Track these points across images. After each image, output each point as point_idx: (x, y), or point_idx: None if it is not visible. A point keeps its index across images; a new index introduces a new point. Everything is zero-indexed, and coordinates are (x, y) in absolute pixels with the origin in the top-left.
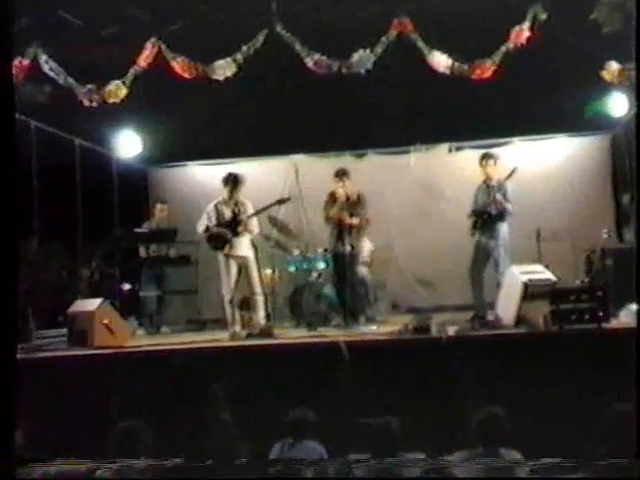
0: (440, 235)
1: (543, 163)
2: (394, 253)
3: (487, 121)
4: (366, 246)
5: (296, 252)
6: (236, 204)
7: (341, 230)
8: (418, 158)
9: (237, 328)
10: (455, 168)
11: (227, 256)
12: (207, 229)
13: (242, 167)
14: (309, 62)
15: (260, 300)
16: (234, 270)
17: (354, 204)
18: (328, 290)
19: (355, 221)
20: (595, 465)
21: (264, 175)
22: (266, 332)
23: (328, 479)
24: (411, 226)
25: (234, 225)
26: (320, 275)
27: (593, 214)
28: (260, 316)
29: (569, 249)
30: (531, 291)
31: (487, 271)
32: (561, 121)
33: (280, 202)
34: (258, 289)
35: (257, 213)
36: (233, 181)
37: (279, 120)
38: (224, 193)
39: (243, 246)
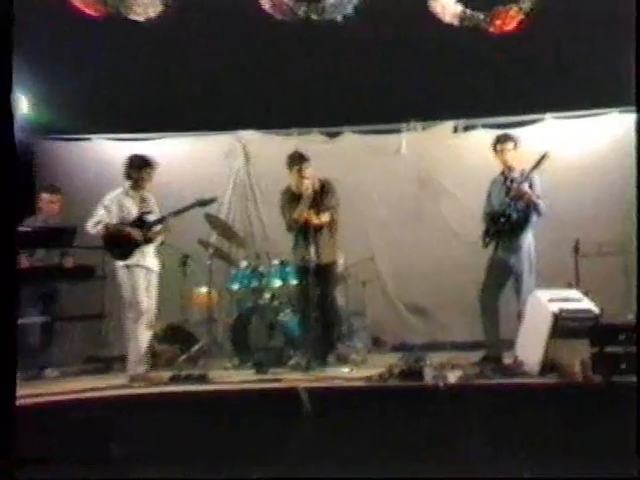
0: (440, 246)
1: (584, 149)
2: (376, 269)
3: (507, 91)
4: (338, 258)
5: (243, 264)
6: (143, 199)
7: (306, 234)
8: (412, 140)
9: (141, 369)
10: (462, 154)
11: (132, 267)
12: (106, 228)
13: (170, 145)
14: (266, 4)
15: (150, 328)
16: (143, 286)
17: (319, 196)
18: (286, 317)
19: (325, 218)
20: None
21: (201, 158)
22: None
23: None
24: (401, 233)
25: (146, 226)
26: (275, 296)
27: None
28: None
29: (619, 269)
30: (564, 326)
31: (504, 296)
32: (611, 90)
33: (202, 203)
34: (153, 313)
35: (178, 213)
36: (140, 166)
37: (222, 83)
38: (125, 183)
39: (151, 255)
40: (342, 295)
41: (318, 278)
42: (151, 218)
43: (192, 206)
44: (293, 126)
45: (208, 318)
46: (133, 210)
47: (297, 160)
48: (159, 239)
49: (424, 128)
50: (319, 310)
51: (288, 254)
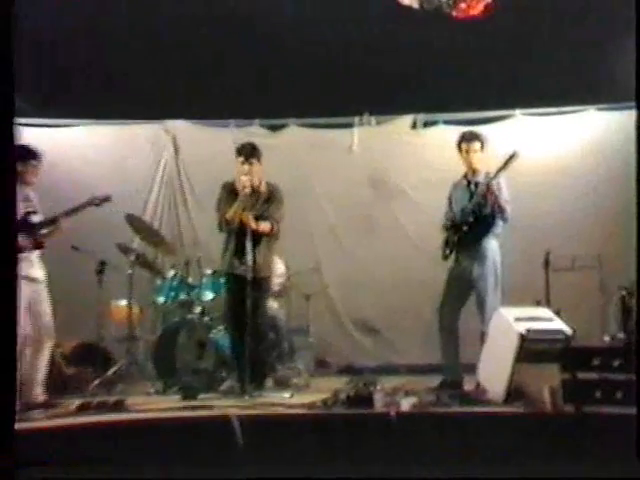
0: (396, 256)
1: (557, 149)
2: (322, 280)
3: (472, 83)
4: (278, 267)
5: (170, 273)
6: (26, 197)
7: (242, 241)
8: (365, 136)
9: (39, 396)
10: (422, 153)
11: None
12: None
13: (92, 133)
14: None
15: (46, 349)
16: (33, 301)
17: (263, 201)
18: (218, 335)
19: (264, 227)
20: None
21: (125, 148)
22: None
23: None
24: (351, 240)
25: (33, 228)
26: (206, 311)
27: (630, 230)
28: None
29: (595, 285)
30: (532, 348)
31: (465, 314)
32: (587, 86)
33: (94, 203)
34: (50, 332)
35: (70, 213)
36: (23, 158)
37: (147, 66)
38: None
39: (37, 264)
40: (283, 310)
41: (255, 290)
42: (37, 219)
43: (85, 205)
44: (230, 117)
45: (128, 335)
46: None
47: (242, 152)
48: (51, 241)
49: (379, 123)
50: (256, 327)
51: (222, 263)
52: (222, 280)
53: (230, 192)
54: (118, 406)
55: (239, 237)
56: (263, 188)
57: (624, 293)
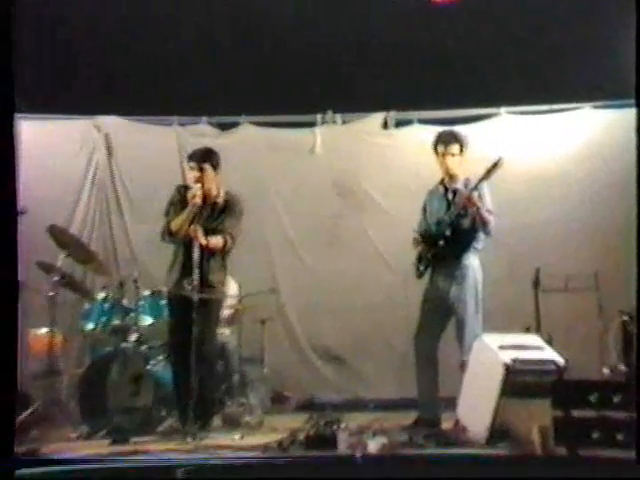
0: (363, 274)
1: (548, 153)
2: (280, 303)
3: (451, 78)
4: (230, 288)
5: (101, 295)
6: None
7: (189, 256)
8: (330, 136)
9: None
10: (394, 156)
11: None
12: None
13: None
14: None
15: None
16: None
17: (219, 212)
18: (157, 366)
19: (215, 242)
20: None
21: (45, 149)
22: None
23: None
24: (313, 256)
25: None
26: (142, 339)
27: (631, 245)
28: None
29: (591, 309)
30: (519, 381)
31: (444, 341)
32: (582, 81)
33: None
34: None
35: None
36: None
37: (76, 53)
38: None
39: None
40: (234, 336)
41: (202, 315)
42: None
43: None
44: (173, 113)
45: (48, 369)
46: None
47: (194, 157)
48: None
49: (345, 122)
50: (203, 357)
51: (163, 281)
52: (163, 302)
53: (183, 198)
54: (31, 456)
55: (188, 252)
56: (219, 199)
57: (625, 318)
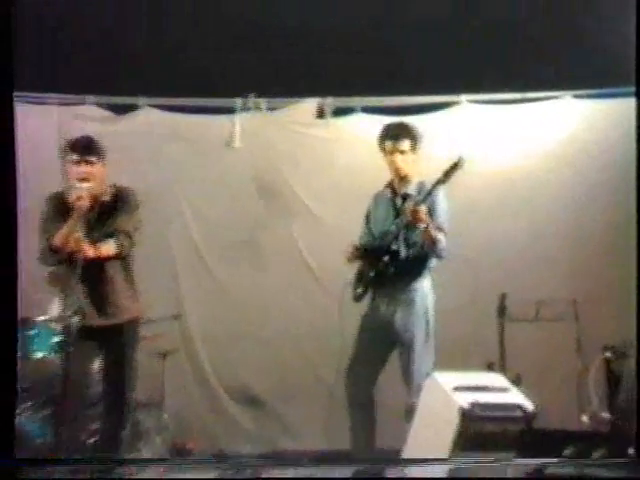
0: (289, 295)
1: (521, 151)
2: (186, 332)
3: (401, 58)
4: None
5: None
6: None
7: (81, 272)
8: (252, 126)
9: None
10: (331, 152)
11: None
12: None
13: None
14: None
15: None
16: None
17: (106, 212)
18: (24, 416)
19: (106, 249)
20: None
21: None
22: None
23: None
24: (228, 274)
25: None
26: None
27: (618, 265)
28: None
29: (569, 343)
30: (478, 430)
31: (386, 380)
32: (560, 64)
33: None
34: None
35: None
36: None
37: None
38: None
39: None
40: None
41: (108, 346)
42: None
43: None
44: (52, 90)
45: None
46: None
47: (77, 147)
48: None
49: (272, 108)
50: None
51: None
52: (44, 333)
53: (59, 207)
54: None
55: (77, 269)
56: (107, 196)
57: (609, 355)
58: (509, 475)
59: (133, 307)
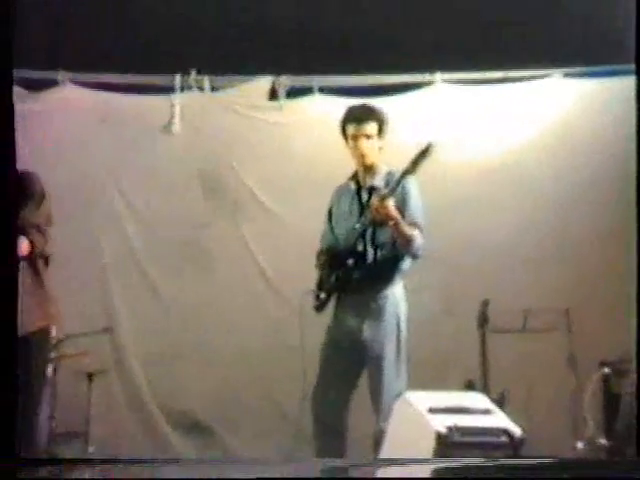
0: (240, 306)
1: (504, 138)
2: (118, 348)
3: (365, 31)
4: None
5: None
6: None
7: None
8: (193, 107)
9: None
10: (286, 139)
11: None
12: None
13: None
14: None
15: None
16: None
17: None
18: None
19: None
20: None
21: None
22: None
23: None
24: (167, 281)
25: None
26: None
27: (617, 268)
28: None
29: (560, 358)
30: (457, 455)
31: (354, 402)
32: (549, 39)
33: None
34: None
35: None
36: None
37: None
38: None
39: None
40: (46, 401)
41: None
42: None
43: None
44: None
45: None
46: None
47: None
48: None
49: (216, 88)
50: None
51: None
52: None
53: None
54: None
55: None
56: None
57: (607, 372)
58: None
59: (43, 315)
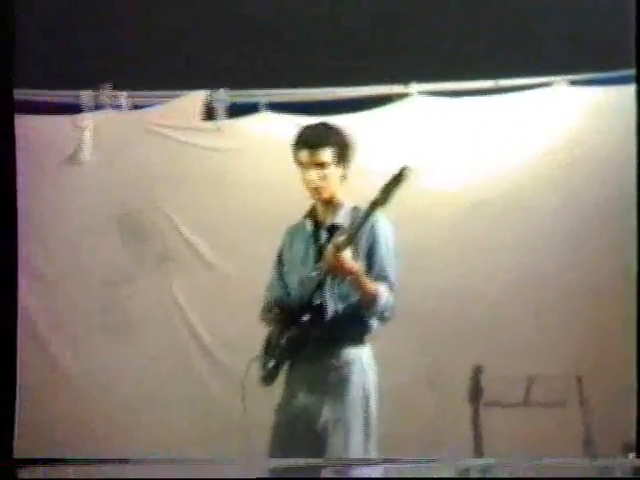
0: (167, 376)
1: (496, 161)
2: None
3: (328, 34)
4: None
5: None
6: None
7: None
8: (109, 129)
9: None
10: (226, 169)
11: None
12: None
13: None
14: None
15: None
16: None
17: None
18: None
19: None
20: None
21: None
22: None
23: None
24: (78, 347)
25: None
26: None
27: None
28: None
29: (571, 436)
30: None
31: None
32: (552, 43)
33: None
34: None
35: None
36: None
37: None
38: None
39: None
40: None
41: None
42: None
43: None
44: None
45: None
46: None
47: None
48: None
49: (136, 106)
50: None
51: None
52: None
53: None
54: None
55: None
56: None
57: (632, 458)
58: None
59: None
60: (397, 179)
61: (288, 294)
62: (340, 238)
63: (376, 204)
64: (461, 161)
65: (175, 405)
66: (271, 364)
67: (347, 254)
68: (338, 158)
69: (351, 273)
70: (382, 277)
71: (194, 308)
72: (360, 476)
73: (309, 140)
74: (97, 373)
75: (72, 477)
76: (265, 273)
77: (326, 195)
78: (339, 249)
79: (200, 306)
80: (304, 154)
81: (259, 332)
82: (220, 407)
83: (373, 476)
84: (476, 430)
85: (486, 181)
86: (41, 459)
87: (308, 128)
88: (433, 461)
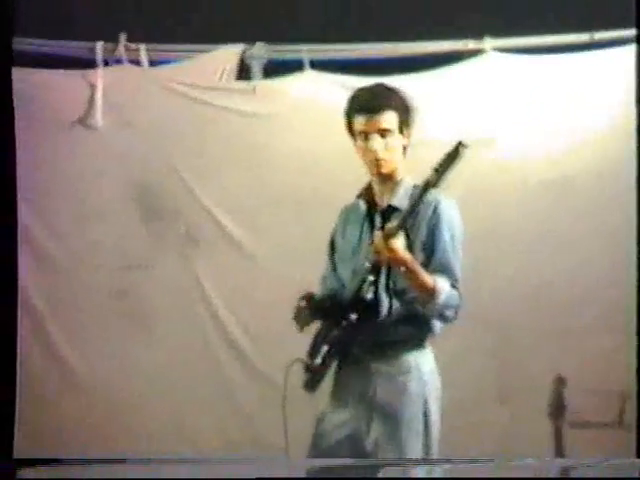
0: (190, 383)
1: (577, 131)
2: None
3: None
4: None
5: None
6: None
7: None
8: (124, 89)
9: None
10: (263, 137)
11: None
12: None
13: None
14: None
15: None
16: None
17: None
18: None
19: None
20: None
21: None
22: None
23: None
24: (82, 345)
25: None
26: None
27: None
28: None
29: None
30: None
31: None
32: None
33: None
34: None
35: None
36: None
37: None
38: None
39: None
40: None
41: None
42: None
43: None
44: None
45: None
46: None
47: None
48: None
49: (156, 61)
50: None
51: None
52: None
53: None
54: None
55: None
56: None
57: None
58: None
59: None
60: (452, 156)
61: (343, 286)
62: (392, 223)
63: (428, 185)
64: (540, 129)
65: (196, 411)
66: (315, 367)
67: (399, 241)
68: (400, 125)
69: (404, 263)
70: (443, 269)
71: (222, 297)
72: None
73: (368, 103)
74: (105, 370)
75: (72, 477)
76: (302, 260)
77: (387, 170)
78: (389, 236)
79: (230, 296)
80: (361, 120)
81: (296, 330)
82: (250, 418)
83: None
84: (559, 453)
85: (567, 153)
86: (41, 459)
87: (364, 90)
88: None
